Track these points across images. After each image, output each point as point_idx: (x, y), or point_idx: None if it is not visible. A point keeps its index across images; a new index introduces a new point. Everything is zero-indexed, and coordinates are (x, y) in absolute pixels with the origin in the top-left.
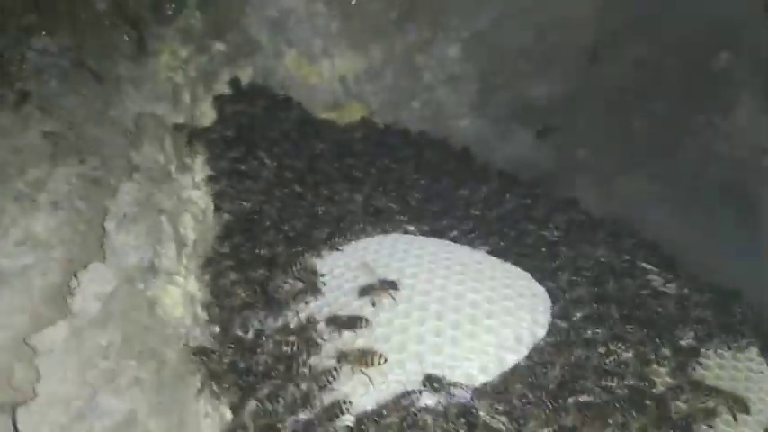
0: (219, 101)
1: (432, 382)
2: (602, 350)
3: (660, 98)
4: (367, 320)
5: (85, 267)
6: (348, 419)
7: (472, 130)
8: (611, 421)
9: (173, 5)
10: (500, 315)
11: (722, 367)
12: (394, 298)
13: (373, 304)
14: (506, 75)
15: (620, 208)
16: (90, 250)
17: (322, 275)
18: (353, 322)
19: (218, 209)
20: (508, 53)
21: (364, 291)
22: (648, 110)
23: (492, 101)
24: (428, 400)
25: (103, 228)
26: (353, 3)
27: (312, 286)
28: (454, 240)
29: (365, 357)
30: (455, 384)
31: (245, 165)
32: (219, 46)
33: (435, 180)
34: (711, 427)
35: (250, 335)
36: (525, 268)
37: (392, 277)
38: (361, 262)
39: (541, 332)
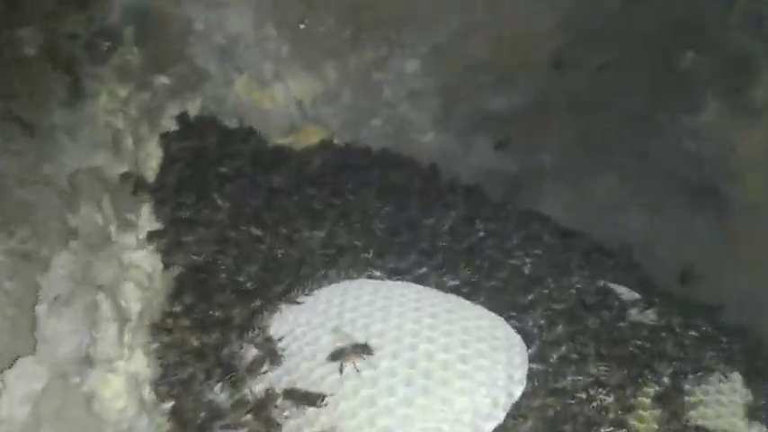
0: (166, 139)
1: None
2: (582, 395)
3: (627, 99)
4: (324, 398)
5: (13, 363)
6: None
7: (436, 144)
8: None
9: (108, 42)
10: (474, 375)
11: (706, 404)
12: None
13: (341, 371)
14: (468, 88)
15: (590, 211)
16: (20, 340)
17: (280, 339)
18: (312, 399)
19: (167, 266)
20: (468, 66)
21: (335, 356)
22: (616, 111)
23: (455, 114)
24: None
25: (34, 311)
26: (302, 27)
27: (270, 354)
28: (423, 277)
29: None
30: None
31: (196, 211)
32: (163, 80)
33: (400, 207)
34: None
35: (203, 414)
36: (499, 305)
37: (358, 335)
38: (323, 320)
39: (518, 390)
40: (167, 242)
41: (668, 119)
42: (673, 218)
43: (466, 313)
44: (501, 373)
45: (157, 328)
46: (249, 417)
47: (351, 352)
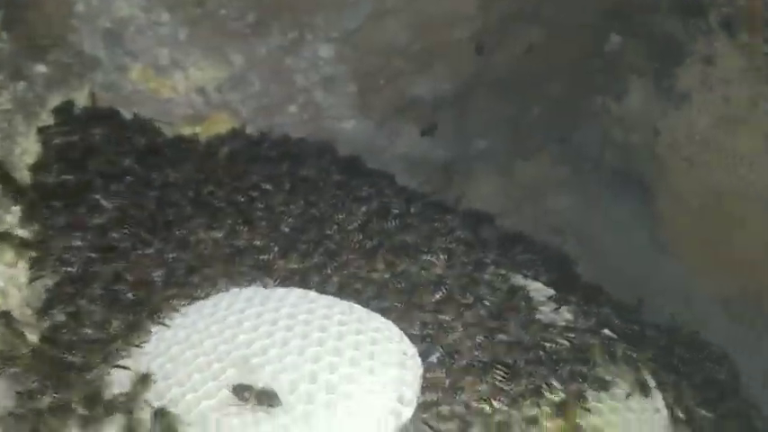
0: (44, 134)
1: None
2: (483, 407)
3: (554, 83)
4: None
5: None
6: None
7: (358, 131)
8: None
9: None
10: (360, 397)
11: (614, 411)
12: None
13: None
14: (387, 73)
15: (519, 197)
16: None
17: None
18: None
19: (34, 279)
20: (384, 51)
21: (236, 390)
22: (544, 95)
23: (376, 101)
24: None
25: None
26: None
27: (140, 381)
28: (326, 279)
29: None
30: None
31: (72, 214)
32: (40, 68)
33: (310, 202)
34: None
35: None
36: (405, 309)
37: (238, 352)
38: (203, 337)
39: (408, 412)
40: (36, 252)
41: (594, 103)
42: (597, 203)
43: (359, 326)
44: (391, 395)
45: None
46: None
47: (255, 401)
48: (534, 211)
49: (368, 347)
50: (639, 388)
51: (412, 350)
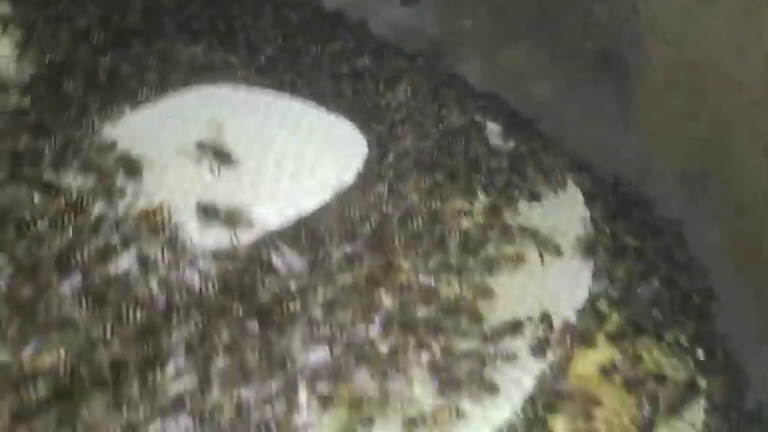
0: None
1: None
2: (414, 197)
3: None
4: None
5: None
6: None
7: None
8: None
9: None
10: (307, 158)
11: (543, 217)
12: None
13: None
14: None
15: (504, 79)
16: None
17: None
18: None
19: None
20: None
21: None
22: None
23: None
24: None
25: None
26: None
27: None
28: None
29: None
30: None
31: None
32: None
33: (289, 37)
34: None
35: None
36: (362, 120)
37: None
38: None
39: (349, 176)
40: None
41: None
42: (576, 86)
43: (318, 116)
44: (336, 160)
45: None
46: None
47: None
48: (517, 95)
49: (321, 129)
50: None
51: (360, 137)
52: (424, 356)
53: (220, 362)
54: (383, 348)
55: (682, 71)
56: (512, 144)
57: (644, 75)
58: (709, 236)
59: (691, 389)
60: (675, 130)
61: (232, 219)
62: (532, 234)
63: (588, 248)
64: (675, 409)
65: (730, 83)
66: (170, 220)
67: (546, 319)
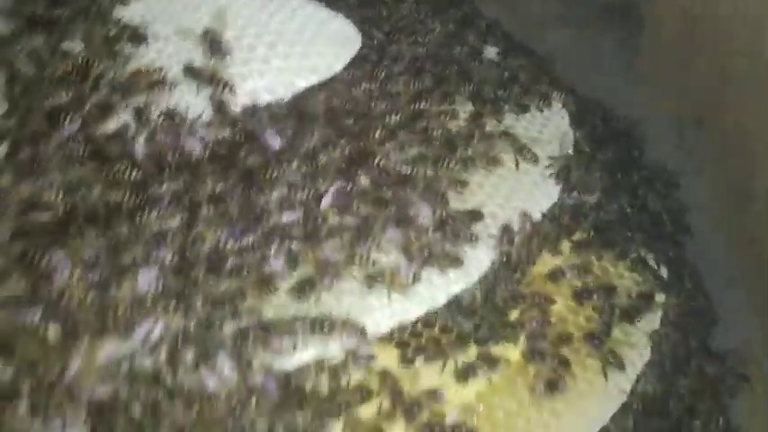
0: None
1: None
2: (401, 98)
3: None
4: None
5: None
6: None
7: None
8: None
9: None
10: (299, 44)
11: (527, 129)
12: None
13: None
14: None
15: (519, 27)
16: None
17: None
18: None
19: None
20: None
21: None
22: None
23: None
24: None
25: None
26: None
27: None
28: None
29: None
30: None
31: None
32: None
33: None
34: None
35: None
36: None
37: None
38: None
39: (339, 65)
40: None
41: None
42: (586, 36)
43: (315, 10)
44: (328, 50)
45: None
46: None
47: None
48: (531, 42)
49: (319, 21)
50: (544, 100)
51: (354, 32)
52: (392, 231)
53: (204, 210)
54: (353, 220)
55: (686, 22)
56: (506, 62)
57: (652, 26)
58: (696, 183)
59: (646, 300)
60: (673, 79)
61: (216, 79)
62: (513, 141)
63: (566, 162)
64: (630, 317)
65: (727, 33)
66: (166, 81)
67: (515, 214)
